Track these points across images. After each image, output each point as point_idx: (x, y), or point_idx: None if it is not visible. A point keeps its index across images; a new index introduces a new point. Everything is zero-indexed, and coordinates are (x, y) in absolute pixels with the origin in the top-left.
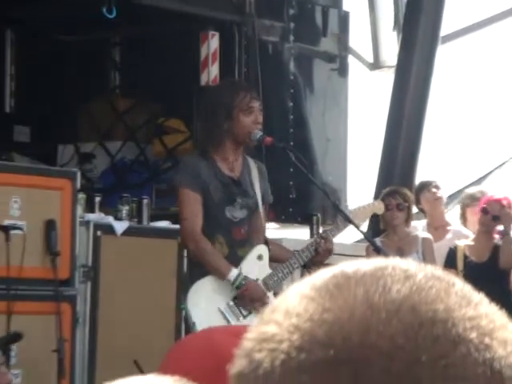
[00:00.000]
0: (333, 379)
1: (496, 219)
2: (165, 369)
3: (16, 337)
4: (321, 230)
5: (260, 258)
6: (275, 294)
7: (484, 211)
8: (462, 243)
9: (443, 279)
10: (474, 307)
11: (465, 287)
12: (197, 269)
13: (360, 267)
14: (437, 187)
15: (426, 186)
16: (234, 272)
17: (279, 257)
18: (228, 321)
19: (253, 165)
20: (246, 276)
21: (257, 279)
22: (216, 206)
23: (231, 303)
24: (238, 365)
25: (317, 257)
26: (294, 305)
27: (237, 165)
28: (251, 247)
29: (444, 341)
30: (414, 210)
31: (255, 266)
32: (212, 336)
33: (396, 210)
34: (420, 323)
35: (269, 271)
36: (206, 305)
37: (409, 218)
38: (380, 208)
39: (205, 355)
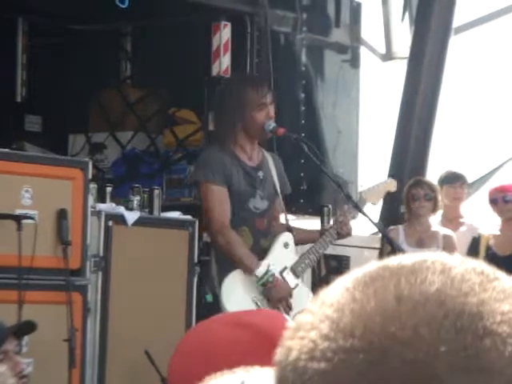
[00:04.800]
0: (351, 367)
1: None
2: (174, 361)
3: (30, 326)
4: (332, 222)
5: (286, 245)
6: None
7: (504, 200)
8: (486, 232)
9: (483, 273)
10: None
11: (508, 282)
12: (227, 262)
13: (402, 260)
14: (462, 187)
15: (452, 180)
16: (262, 267)
17: (305, 239)
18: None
19: (268, 156)
20: (273, 274)
21: (285, 267)
22: (240, 198)
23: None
24: (277, 353)
25: (339, 238)
26: (331, 295)
27: (254, 154)
28: (273, 237)
29: (468, 333)
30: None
31: (282, 254)
32: (211, 326)
33: (423, 199)
34: (445, 314)
35: (295, 258)
36: (241, 295)
37: (435, 208)
38: (393, 185)
39: (200, 349)
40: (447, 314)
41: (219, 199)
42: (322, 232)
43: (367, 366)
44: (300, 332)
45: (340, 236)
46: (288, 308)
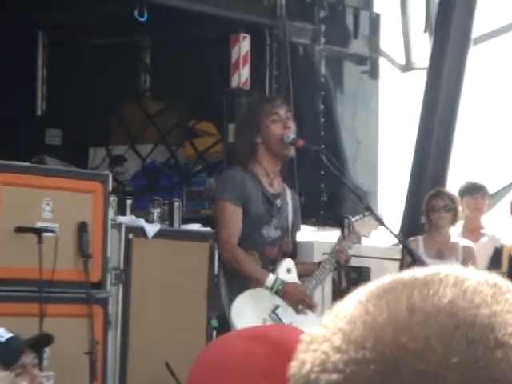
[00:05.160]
0: (362, 378)
1: None
2: (193, 374)
3: (47, 338)
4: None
5: (289, 271)
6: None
7: None
8: (508, 243)
9: (495, 285)
10: None
11: None
12: (236, 281)
13: (415, 273)
14: (483, 198)
15: (473, 191)
16: (270, 278)
17: (306, 270)
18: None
19: (287, 190)
20: (282, 280)
21: None
22: (255, 222)
23: (276, 311)
24: (291, 366)
25: (338, 267)
26: (344, 308)
27: (276, 182)
28: (279, 262)
29: (479, 344)
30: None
31: (285, 278)
32: (227, 340)
33: (443, 211)
34: (456, 325)
35: (298, 283)
36: (251, 315)
37: (455, 219)
38: (376, 226)
39: (217, 362)
40: (458, 325)
41: (231, 217)
42: (319, 263)
43: (379, 377)
44: (313, 345)
45: (339, 265)
46: (311, 307)
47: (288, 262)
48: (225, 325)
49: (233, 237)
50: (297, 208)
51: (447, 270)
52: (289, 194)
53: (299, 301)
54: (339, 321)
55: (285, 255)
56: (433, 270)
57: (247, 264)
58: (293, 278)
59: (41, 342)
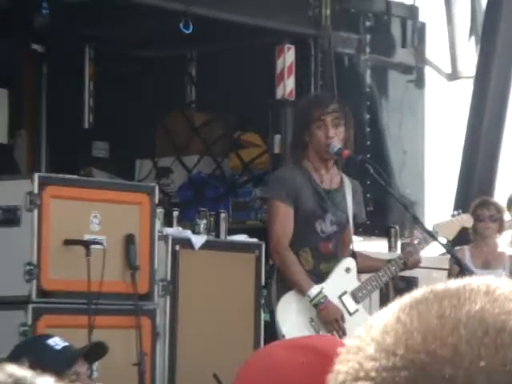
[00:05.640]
0: None
1: None
2: None
3: (100, 347)
4: (399, 243)
5: (348, 270)
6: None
7: None
8: None
9: None
10: None
11: None
12: (285, 282)
13: (449, 284)
14: None
15: None
16: (314, 289)
17: (370, 267)
18: (318, 332)
19: (347, 182)
20: (325, 295)
21: (344, 292)
22: (306, 218)
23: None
24: (329, 378)
25: (405, 269)
26: (378, 319)
27: (328, 178)
28: (336, 262)
29: (508, 349)
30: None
31: (343, 278)
32: (271, 351)
33: (489, 221)
34: (485, 332)
35: (357, 284)
36: (296, 317)
37: (501, 229)
38: (469, 221)
39: (261, 374)
40: (487, 331)
41: (283, 218)
42: (388, 261)
43: (409, 383)
44: (348, 355)
45: (407, 267)
46: (341, 331)
47: (348, 262)
48: (274, 321)
49: (284, 238)
50: (359, 198)
51: (480, 281)
52: (348, 187)
53: (332, 321)
54: (373, 331)
55: (346, 247)
56: (466, 281)
57: (294, 270)
58: (352, 277)
59: (94, 352)
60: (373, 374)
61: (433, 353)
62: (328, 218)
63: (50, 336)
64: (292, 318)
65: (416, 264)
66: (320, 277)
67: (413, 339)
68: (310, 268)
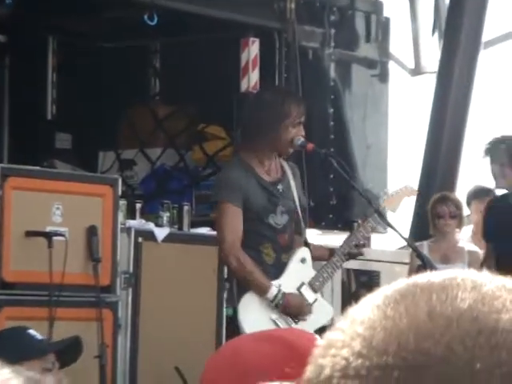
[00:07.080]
0: None
1: None
2: (205, 378)
3: (75, 343)
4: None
5: (303, 261)
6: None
7: None
8: None
9: None
10: None
11: None
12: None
13: (431, 277)
14: None
15: (481, 195)
16: (273, 290)
17: (318, 257)
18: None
19: (287, 167)
20: (284, 293)
21: (302, 283)
22: (258, 215)
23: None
24: (307, 371)
25: (356, 251)
26: (360, 313)
27: (272, 168)
28: (292, 253)
29: (502, 350)
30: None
31: (300, 269)
32: (240, 343)
33: (448, 217)
34: (479, 331)
35: (313, 273)
36: (258, 315)
37: (460, 225)
38: (411, 192)
39: (229, 364)
40: (481, 331)
41: (233, 220)
42: (331, 249)
43: (402, 382)
44: (331, 350)
45: (358, 248)
46: (308, 314)
47: (302, 252)
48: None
49: (237, 240)
50: (299, 182)
51: (464, 274)
52: (289, 172)
53: (298, 314)
54: (357, 326)
55: (300, 235)
56: (449, 273)
57: (251, 271)
58: (307, 267)
59: (68, 350)
60: (363, 371)
61: (426, 352)
62: (279, 209)
63: (28, 327)
64: (254, 318)
65: (366, 244)
66: (282, 269)
67: (404, 337)
68: (273, 262)
